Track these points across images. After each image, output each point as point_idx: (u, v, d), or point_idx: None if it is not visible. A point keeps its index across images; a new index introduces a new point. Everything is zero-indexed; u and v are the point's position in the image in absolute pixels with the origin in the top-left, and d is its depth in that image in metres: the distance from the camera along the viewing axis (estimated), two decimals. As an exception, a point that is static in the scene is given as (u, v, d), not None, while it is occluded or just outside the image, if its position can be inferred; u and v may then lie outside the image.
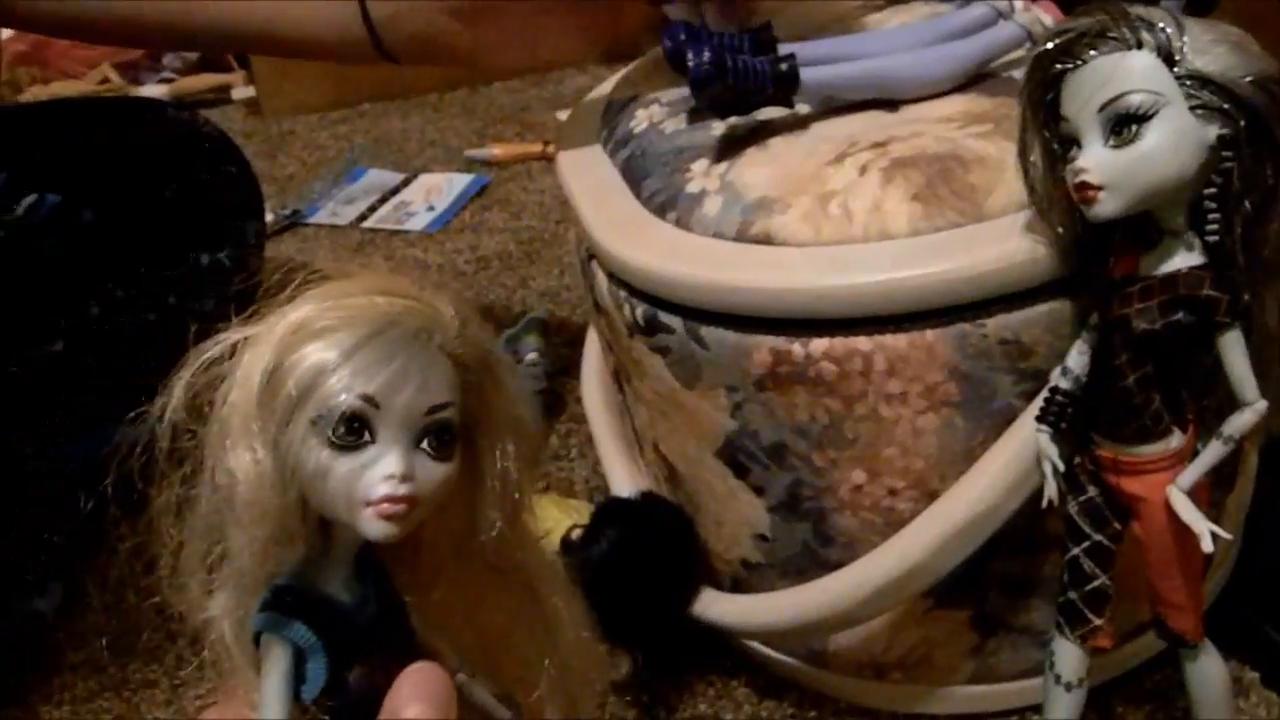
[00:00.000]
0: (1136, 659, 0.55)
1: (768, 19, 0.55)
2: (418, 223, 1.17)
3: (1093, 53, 0.39)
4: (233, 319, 0.32)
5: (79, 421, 0.68)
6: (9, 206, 0.74)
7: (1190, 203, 0.39)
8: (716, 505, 0.55)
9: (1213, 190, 0.39)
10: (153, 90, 1.60)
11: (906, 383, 0.47)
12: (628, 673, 0.59)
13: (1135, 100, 0.38)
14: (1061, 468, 0.44)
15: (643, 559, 0.56)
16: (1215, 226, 0.39)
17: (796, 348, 0.47)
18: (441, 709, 0.31)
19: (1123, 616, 0.47)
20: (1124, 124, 0.38)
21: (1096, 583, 0.45)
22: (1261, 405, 0.39)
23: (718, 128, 0.54)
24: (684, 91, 0.54)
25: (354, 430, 0.30)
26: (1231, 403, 0.40)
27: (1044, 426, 0.45)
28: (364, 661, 0.32)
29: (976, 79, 0.53)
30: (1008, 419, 0.47)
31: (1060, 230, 0.43)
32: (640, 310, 0.52)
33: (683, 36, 0.52)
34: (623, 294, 0.53)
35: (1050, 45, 0.40)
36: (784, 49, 0.52)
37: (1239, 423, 0.40)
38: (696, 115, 0.56)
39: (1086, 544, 0.45)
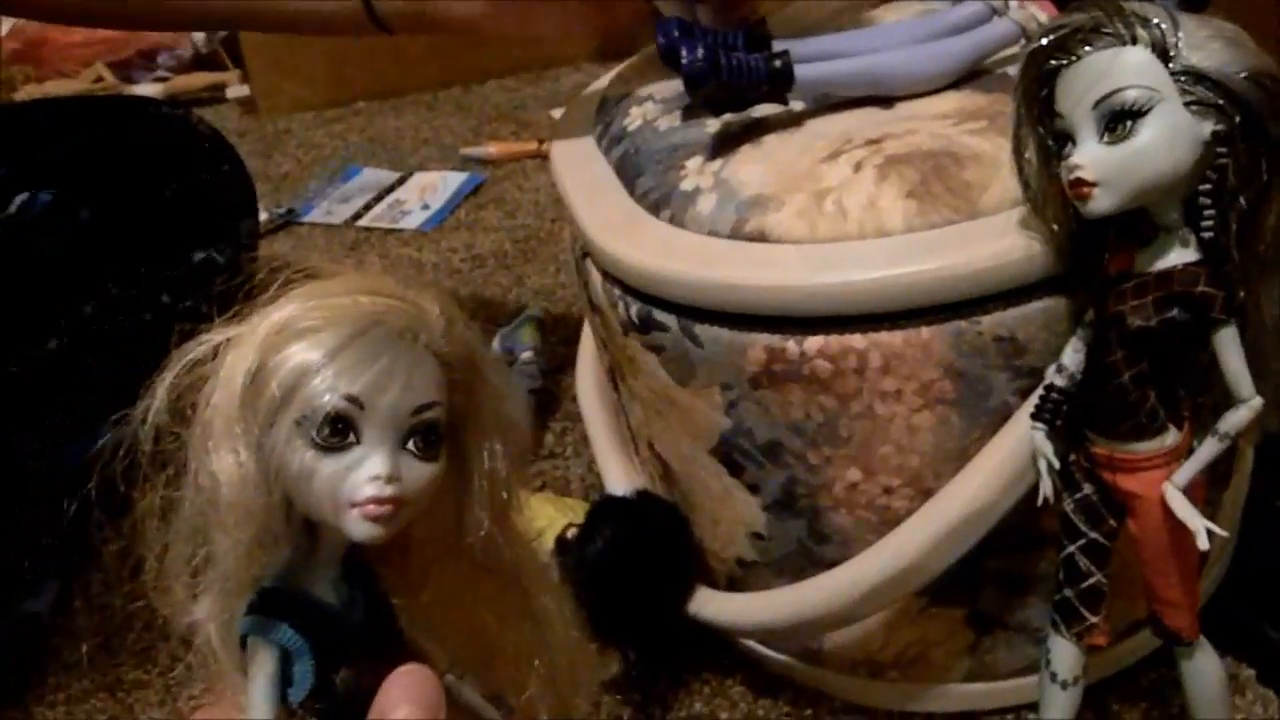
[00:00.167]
0: (1132, 656, 0.55)
1: (762, 16, 0.55)
2: (413, 221, 1.17)
3: (1087, 49, 0.38)
4: (217, 317, 0.32)
5: (75, 421, 0.68)
6: (4, 206, 0.73)
7: (1185, 199, 0.39)
8: (711, 503, 0.55)
9: (1208, 186, 0.38)
10: (147, 89, 1.60)
11: (902, 380, 0.47)
12: (621, 671, 0.59)
13: (1130, 96, 0.37)
14: (1057, 465, 0.44)
15: (638, 558, 0.56)
16: (1210, 223, 0.39)
17: (791, 345, 0.47)
18: (431, 710, 0.31)
19: (1118, 614, 0.47)
20: (1119, 120, 0.38)
21: (1092, 580, 0.45)
22: (1257, 402, 0.39)
23: (712, 125, 0.54)
24: (678, 88, 0.54)
25: (339, 431, 0.30)
26: (1227, 399, 0.39)
27: (1039, 424, 0.44)
28: (352, 663, 0.32)
29: (971, 75, 0.53)
30: (1003, 416, 0.47)
31: (1055, 227, 0.43)
32: (635, 308, 0.52)
33: (676, 33, 0.51)
34: (617, 292, 0.53)
35: (1045, 41, 0.39)
36: (778, 45, 0.52)
37: (1235, 420, 0.39)
38: (690, 112, 0.56)
39: (1082, 541, 0.44)
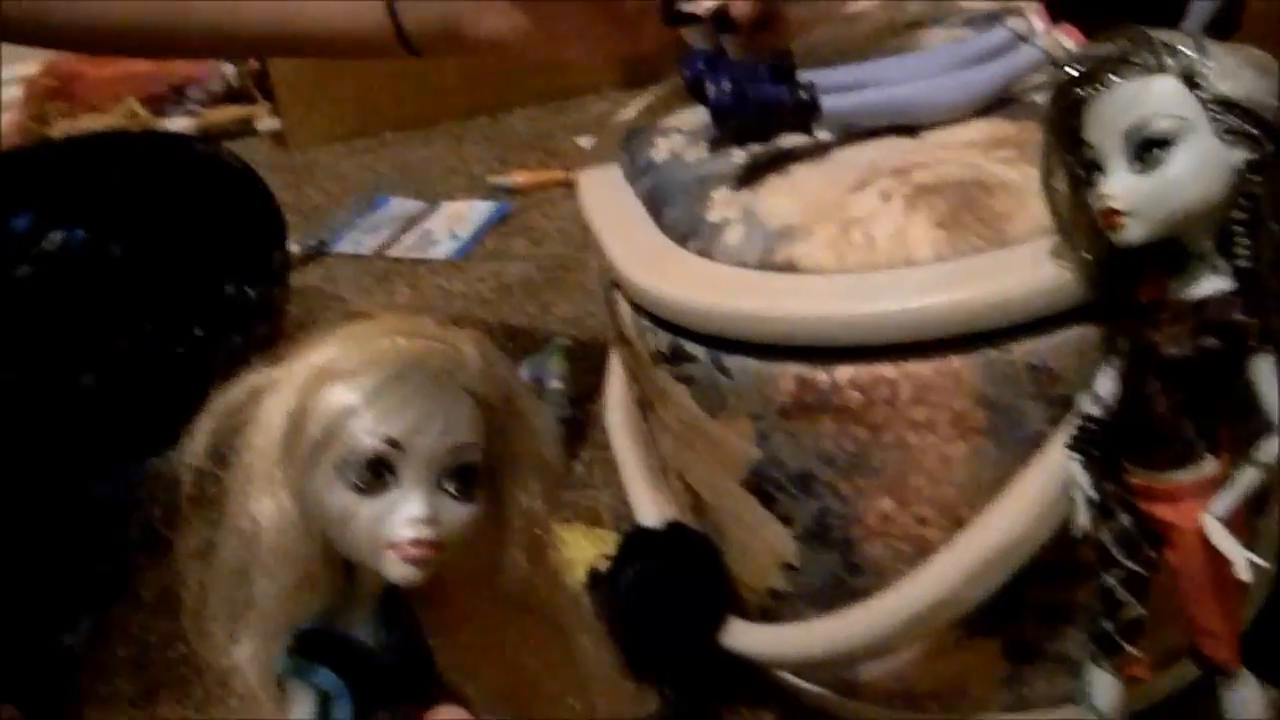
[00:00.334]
0: (1172, 686, 0.54)
1: (787, 47, 0.55)
2: (441, 251, 1.18)
3: (1116, 78, 0.38)
4: (256, 359, 0.32)
5: (109, 455, 0.68)
6: (38, 242, 0.74)
7: (1218, 227, 0.39)
8: (743, 534, 0.55)
9: (1240, 214, 0.38)
10: (178, 123, 1.62)
11: (933, 410, 0.46)
12: (657, 709, 0.59)
13: (1160, 125, 0.37)
14: (1093, 495, 0.44)
15: (670, 590, 0.56)
16: (1244, 251, 0.38)
17: (822, 376, 0.47)
18: (469, 753, 0.31)
19: (1158, 643, 0.46)
20: (1149, 149, 0.38)
21: (1131, 611, 0.44)
22: (1294, 430, 0.38)
23: (739, 156, 0.54)
24: (704, 120, 0.54)
25: (377, 473, 0.30)
26: (1265, 427, 0.39)
27: (1075, 454, 0.44)
28: (390, 705, 0.32)
29: (998, 104, 0.53)
30: (1037, 446, 0.46)
31: (1086, 256, 0.43)
32: (664, 340, 0.52)
33: (702, 66, 0.52)
34: (646, 323, 0.53)
35: (1073, 71, 0.39)
36: (803, 77, 0.52)
37: (1271, 448, 0.39)
38: (717, 144, 0.56)
39: (1120, 573, 0.44)
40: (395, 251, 1.20)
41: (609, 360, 0.75)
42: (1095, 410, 0.44)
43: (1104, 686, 0.45)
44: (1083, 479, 0.44)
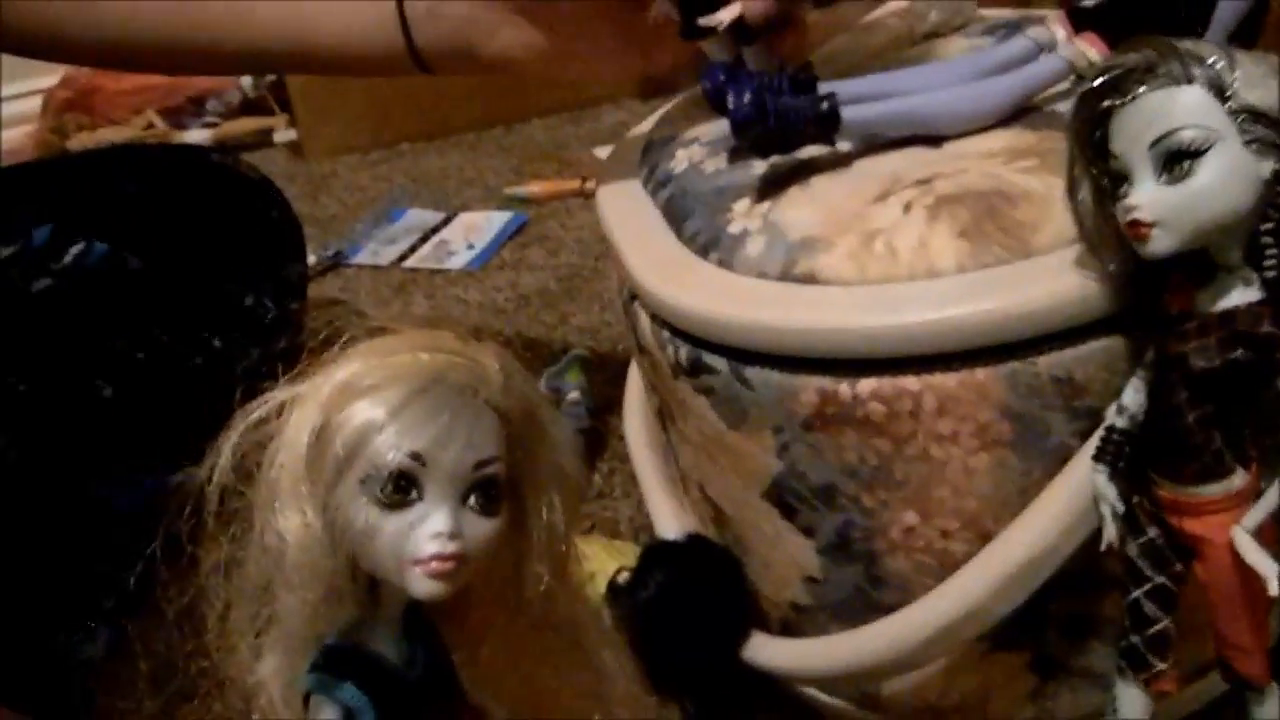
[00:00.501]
0: (1200, 700, 0.54)
1: (807, 58, 0.55)
2: (458, 261, 1.18)
3: (1142, 88, 0.38)
4: (279, 375, 0.32)
5: (128, 467, 0.68)
6: (57, 255, 0.75)
7: (1246, 238, 0.39)
8: (765, 547, 0.55)
9: (1270, 225, 0.38)
10: (196, 135, 1.63)
11: (957, 422, 0.46)
12: (678, 722, 0.59)
13: (1187, 136, 0.37)
14: (1120, 509, 0.43)
15: (691, 602, 0.55)
16: (1273, 262, 0.38)
17: (844, 388, 0.47)
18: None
19: (1186, 657, 0.46)
20: (1176, 160, 0.37)
21: (1159, 626, 0.44)
22: (1325, 443, 0.38)
23: (759, 167, 0.54)
24: (723, 130, 0.54)
25: (402, 488, 0.30)
26: (1295, 440, 0.39)
27: (1101, 466, 0.44)
28: (414, 720, 0.32)
29: (1019, 113, 0.52)
30: (1062, 458, 0.46)
31: (1112, 267, 0.42)
32: (684, 351, 0.52)
33: (722, 77, 0.52)
34: (666, 335, 0.53)
35: (1098, 81, 0.39)
36: (824, 87, 0.52)
37: (1302, 462, 0.39)
38: (737, 154, 0.56)
39: (1148, 586, 0.44)
40: (412, 262, 1.20)
41: (628, 371, 0.74)
42: (1122, 422, 0.43)
43: (1131, 701, 0.45)
44: (1109, 492, 0.44)
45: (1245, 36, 0.50)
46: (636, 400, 0.72)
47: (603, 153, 1.31)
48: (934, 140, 0.52)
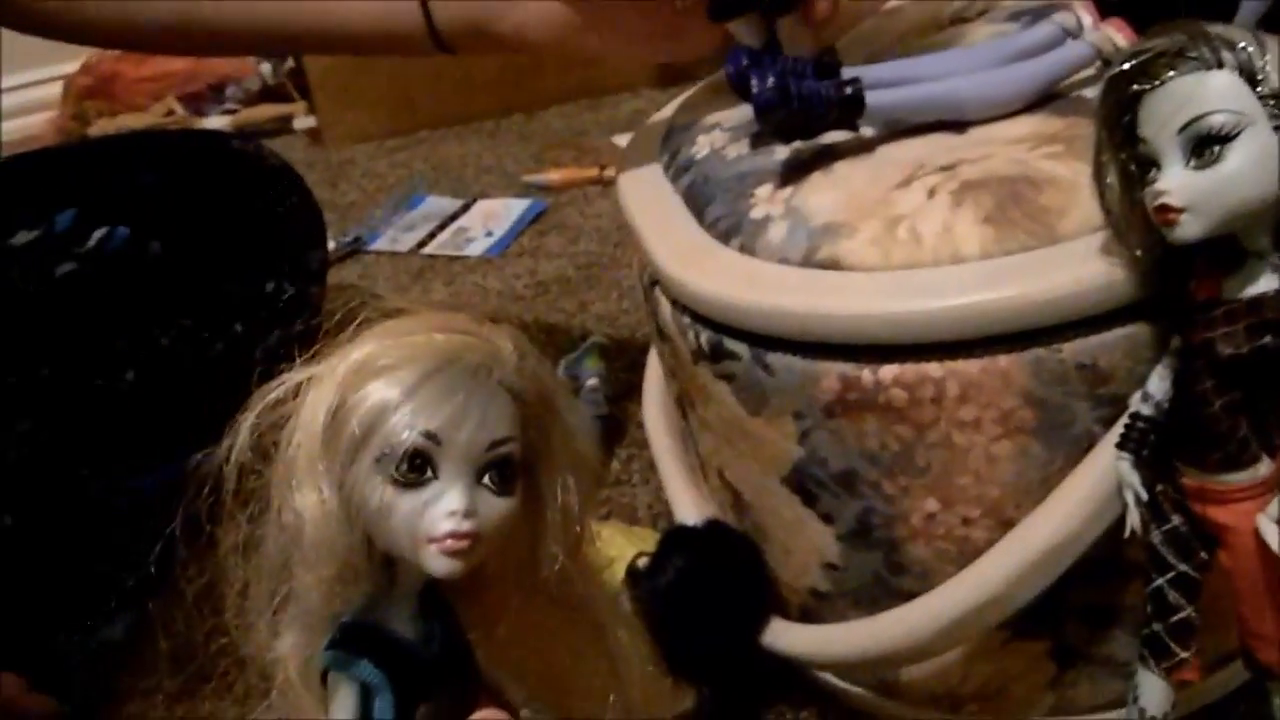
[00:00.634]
0: (1222, 690, 0.53)
1: (842, 33, 0.54)
2: (476, 248, 1.18)
3: (1172, 73, 0.38)
4: (296, 356, 0.32)
5: (150, 451, 0.69)
6: (80, 240, 0.75)
7: (1275, 223, 0.38)
8: (784, 533, 0.55)
9: (1299, 211, 0.37)
10: (216, 121, 1.63)
11: (980, 409, 0.46)
12: (696, 705, 0.58)
13: (1217, 121, 0.37)
14: (1144, 496, 0.43)
15: (710, 588, 0.55)
16: (1303, 248, 0.38)
17: (866, 374, 0.47)
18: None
19: (1208, 646, 0.45)
20: (1206, 145, 0.37)
21: (1182, 614, 0.43)
22: (1352, 432, 0.38)
23: (781, 152, 0.54)
24: (745, 116, 0.54)
25: (417, 467, 0.30)
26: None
27: (1125, 454, 0.43)
28: (430, 698, 0.32)
29: (1045, 99, 0.52)
30: (1086, 446, 0.46)
31: (1138, 253, 0.42)
32: (705, 337, 0.52)
33: (745, 61, 0.51)
34: (687, 321, 0.53)
35: (1127, 66, 0.39)
36: (847, 72, 0.51)
37: (1329, 451, 0.38)
38: (759, 140, 0.56)
39: (1171, 574, 0.43)
40: (431, 249, 1.20)
41: (647, 358, 0.74)
42: (1147, 410, 0.43)
43: (1153, 689, 0.45)
44: (1133, 479, 0.43)
45: (1276, 21, 0.49)
46: (655, 387, 0.72)
47: (621, 140, 1.31)
48: (958, 126, 0.52)
